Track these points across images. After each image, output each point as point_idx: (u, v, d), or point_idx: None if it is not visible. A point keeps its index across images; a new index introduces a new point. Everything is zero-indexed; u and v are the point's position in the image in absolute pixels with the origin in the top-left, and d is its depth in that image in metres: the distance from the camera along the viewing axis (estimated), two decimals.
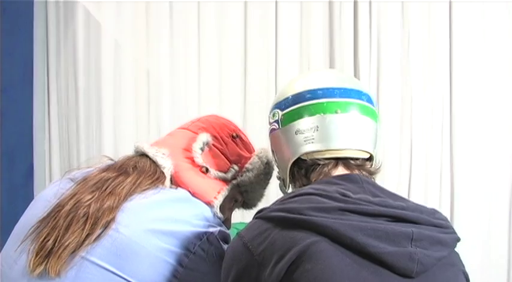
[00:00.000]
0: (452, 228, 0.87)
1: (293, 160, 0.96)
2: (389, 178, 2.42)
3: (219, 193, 1.06)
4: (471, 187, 2.49)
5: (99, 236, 0.86)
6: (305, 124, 0.94)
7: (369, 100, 0.98)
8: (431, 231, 0.81)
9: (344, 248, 0.76)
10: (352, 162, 0.94)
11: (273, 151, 1.06)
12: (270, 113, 1.02)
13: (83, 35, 2.48)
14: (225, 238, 0.95)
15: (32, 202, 0.98)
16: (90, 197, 0.90)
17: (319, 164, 0.93)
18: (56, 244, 0.85)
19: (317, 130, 0.93)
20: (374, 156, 0.97)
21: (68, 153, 2.50)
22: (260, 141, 2.40)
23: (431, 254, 0.79)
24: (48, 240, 0.85)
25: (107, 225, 0.87)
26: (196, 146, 1.06)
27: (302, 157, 0.95)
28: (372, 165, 0.98)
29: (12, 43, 2.32)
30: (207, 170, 1.06)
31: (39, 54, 2.49)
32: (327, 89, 0.94)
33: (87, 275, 0.85)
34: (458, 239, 0.86)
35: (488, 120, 2.49)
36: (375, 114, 0.98)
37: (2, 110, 2.25)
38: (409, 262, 0.76)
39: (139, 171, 0.98)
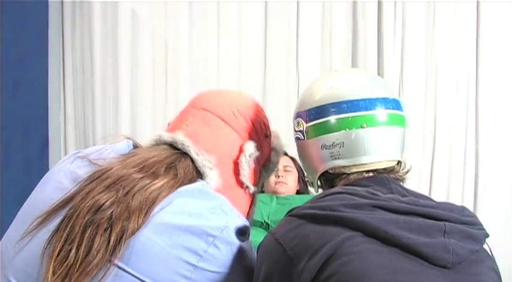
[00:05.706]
0: (481, 225, 0.87)
1: (320, 172, 0.96)
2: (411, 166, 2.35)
3: (247, 214, 1.00)
4: (496, 174, 2.44)
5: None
6: (330, 139, 0.93)
7: (396, 106, 0.94)
8: (462, 227, 0.82)
9: (379, 241, 0.76)
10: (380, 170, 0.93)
11: (300, 156, 1.05)
12: (295, 119, 1.00)
13: (99, 3, 2.41)
14: (244, 232, 0.88)
15: (41, 181, 0.89)
16: (110, 199, 0.80)
17: (345, 174, 0.93)
18: (79, 263, 0.76)
19: (343, 146, 0.92)
20: (402, 161, 0.96)
21: (83, 125, 2.46)
22: (278, 118, 2.39)
23: (465, 245, 0.79)
24: (67, 255, 0.76)
25: (133, 232, 0.78)
26: (245, 162, 0.97)
27: (329, 170, 0.95)
28: (399, 169, 0.96)
29: (26, 12, 2.27)
30: (247, 187, 0.99)
31: (54, 24, 2.43)
32: (351, 101, 0.91)
33: None
34: (487, 235, 0.86)
35: None
36: (402, 120, 0.95)
37: (17, 81, 2.21)
38: (445, 253, 0.76)
39: (173, 177, 0.87)
